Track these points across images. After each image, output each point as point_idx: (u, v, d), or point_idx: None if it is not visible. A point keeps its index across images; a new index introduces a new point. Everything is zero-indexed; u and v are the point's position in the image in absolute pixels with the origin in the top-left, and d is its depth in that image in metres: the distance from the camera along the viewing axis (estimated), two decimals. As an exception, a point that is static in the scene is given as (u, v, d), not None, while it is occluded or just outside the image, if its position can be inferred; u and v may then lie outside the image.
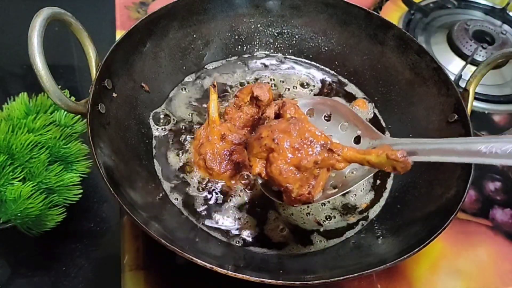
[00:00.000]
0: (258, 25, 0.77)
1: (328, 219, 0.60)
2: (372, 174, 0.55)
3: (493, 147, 0.42)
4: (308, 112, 0.61)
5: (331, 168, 0.50)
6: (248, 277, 0.43)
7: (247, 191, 0.61)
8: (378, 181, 0.65)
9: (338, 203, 0.61)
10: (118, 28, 0.85)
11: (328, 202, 0.61)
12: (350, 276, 0.44)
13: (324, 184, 0.51)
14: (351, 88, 0.76)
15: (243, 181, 0.61)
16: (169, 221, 0.55)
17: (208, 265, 0.43)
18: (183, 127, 0.67)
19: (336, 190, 0.54)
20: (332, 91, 0.75)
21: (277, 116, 0.57)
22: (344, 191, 0.54)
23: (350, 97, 0.75)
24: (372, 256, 0.53)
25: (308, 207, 0.60)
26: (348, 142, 0.58)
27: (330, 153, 0.49)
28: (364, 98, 0.74)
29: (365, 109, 0.73)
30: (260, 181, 0.55)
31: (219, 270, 0.43)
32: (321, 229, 0.59)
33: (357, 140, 0.58)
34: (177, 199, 0.59)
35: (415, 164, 0.65)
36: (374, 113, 0.73)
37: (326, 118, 0.61)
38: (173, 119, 0.68)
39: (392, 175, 0.66)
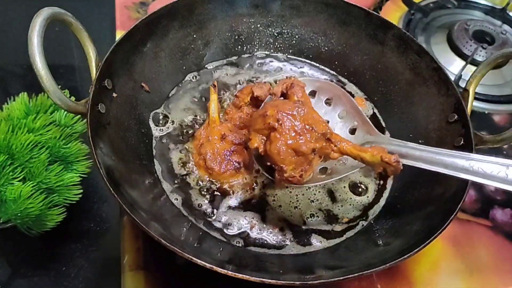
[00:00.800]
0: (258, 25, 0.77)
1: (312, 217, 0.60)
2: (359, 169, 0.57)
3: (480, 166, 0.45)
4: (311, 93, 0.62)
5: (324, 156, 0.52)
6: (248, 277, 0.43)
7: (247, 191, 0.61)
8: (380, 181, 0.65)
9: (325, 205, 0.61)
10: (118, 28, 0.85)
11: (317, 200, 0.61)
12: (350, 276, 0.44)
13: (314, 169, 0.54)
14: (351, 87, 0.76)
15: (243, 181, 0.61)
16: (169, 221, 0.55)
17: (208, 265, 0.43)
18: (183, 127, 0.67)
19: (324, 176, 0.56)
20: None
21: (284, 95, 0.58)
22: (332, 179, 0.56)
23: (350, 97, 0.75)
24: (372, 256, 0.53)
25: (297, 201, 0.61)
26: (343, 131, 0.60)
27: (328, 142, 0.51)
28: (364, 97, 0.74)
29: (363, 107, 0.73)
30: (254, 153, 0.56)
31: (219, 270, 0.43)
32: (307, 227, 0.59)
33: (352, 131, 0.59)
34: (177, 199, 0.59)
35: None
36: (374, 113, 0.73)
37: (327, 102, 0.62)
38: (173, 119, 0.68)
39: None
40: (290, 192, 0.62)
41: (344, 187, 0.63)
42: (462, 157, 0.47)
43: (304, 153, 0.50)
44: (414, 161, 0.50)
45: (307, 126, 0.50)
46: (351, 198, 0.62)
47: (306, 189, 0.62)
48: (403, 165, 0.49)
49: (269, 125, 0.50)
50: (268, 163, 0.53)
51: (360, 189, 0.63)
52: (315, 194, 0.62)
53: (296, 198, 0.61)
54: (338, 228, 0.59)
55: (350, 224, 0.60)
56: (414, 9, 0.97)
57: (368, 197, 0.62)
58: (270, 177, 0.54)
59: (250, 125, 0.54)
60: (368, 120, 0.57)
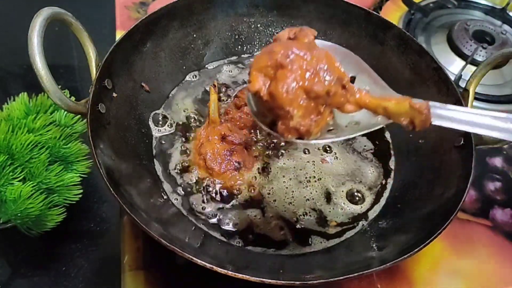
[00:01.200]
0: (258, 25, 0.77)
1: (305, 215, 0.60)
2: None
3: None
4: None
5: (334, 111, 0.45)
6: (248, 277, 0.43)
7: (247, 191, 0.61)
8: (379, 182, 0.65)
9: (319, 205, 0.61)
10: (118, 28, 0.85)
11: (312, 199, 0.61)
12: (350, 276, 0.44)
13: (323, 127, 0.46)
14: (351, 88, 0.76)
15: (243, 181, 0.61)
16: (169, 221, 0.55)
17: (208, 265, 0.43)
18: (183, 127, 0.67)
19: (334, 136, 0.48)
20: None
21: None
22: (340, 138, 0.48)
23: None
24: (372, 256, 0.53)
25: (292, 197, 0.61)
26: None
27: (344, 90, 0.44)
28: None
29: None
30: (253, 106, 0.48)
31: (219, 270, 0.43)
32: (297, 227, 0.59)
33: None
34: (177, 199, 0.59)
35: (416, 163, 0.65)
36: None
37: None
38: (173, 119, 0.68)
39: (392, 174, 0.65)
40: (287, 188, 0.62)
41: (342, 191, 0.63)
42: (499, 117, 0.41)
43: (317, 94, 0.41)
44: (443, 120, 0.43)
45: (321, 65, 0.42)
46: (344, 203, 0.61)
47: (303, 187, 0.62)
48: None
49: (276, 62, 0.42)
50: (270, 116, 0.46)
51: (357, 198, 0.63)
52: (311, 192, 0.62)
53: (292, 194, 0.61)
54: (330, 230, 0.59)
55: (343, 228, 0.60)
56: (414, 9, 0.97)
57: (362, 207, 0.61)
58: (271, 131, 0.46)
59: (251, 66, 0.45)
60: (383, 82, 0.50)
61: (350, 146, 0.68)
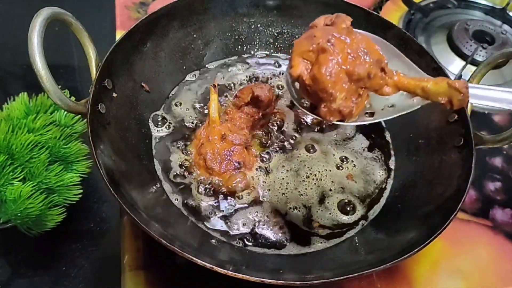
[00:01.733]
0: (258, 25, 0.77)
1: (294, 209, 0.60)
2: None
3: None
4: None
5: (372, 93, 0.46)
6: (248, 277, 0.43)
7: (247, 191, 0.61)
8: (379, 182, 0.65)
9: (310, 203, 0.61)
10: (118, 28, 0.85)
11: (306, 195, 0.61)
12: (350, 276, 0.44)
13: (361, 109, 0.48)
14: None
15: (243, 181, 0.61)
16: (169, 221, 0.55)
17: (208, 265, 0.43)
18: (183, 127, 0.67)
19: (371, 118, 0.49)
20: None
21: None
22: (376, 120, 0.49)
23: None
24: (372, 256, 0.53)
25: (287, 188, 0.61)
26: None
27: (382, 73, 0.45)
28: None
29: None
30: (292, 91, 0.49)
31: (219, 270, 0.43)
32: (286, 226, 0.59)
33: None
34: (177, 199, 0.59)
35: (416, 163, 0.65)
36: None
37: None
38: (173, 119, 0.68)
39: (392, 174, 0.66)
40: (283, 178, 0.62)
41: (337, 197, 0.62)
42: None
43: (359, 76, 0.43)
44: (479, 99, 0.44)
45: (361, 48, 0.43)
46: (334, 209, 0.61)
47: (300, 181, 0.62)
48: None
49: (318, 46, 0.43)
50: (310, 100, 0.46)
51: (348, 208, 0.61)
52: (306, 189, 0.62)
53: (286, 186, 0.62)
54: (316, 230, 0.58)
55: (325, 230, 0.59)
56: (414, 9, 0.97)
57: (349, 218, 0.60)
58: (314, 116, 0.47)
59: (292, 51, 0.46)
60: (415, 66, 0.50)
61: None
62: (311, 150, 0.66)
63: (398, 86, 0.46)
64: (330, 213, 0.60)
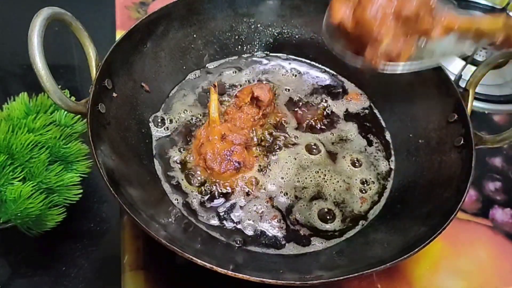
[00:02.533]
0: (258, 25, 0.77)
1: (284, 195, 0.61)
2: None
3: None
4: None
5: (419, 38, 0.43)
6: (248, 277, 0.43)
7: (247, 191, 0.61)
8: (379, 182, 0.65)
9: (303, 195, 0.61)
10: (118, 28, 0.85)
11: (305, 188, 0.61)
12: (350, 276, 0.44)
13: (409, 54, 0.45)
14: (350, 87, 0.76)
15: (243, 181, 0.61)
16: (169, 221, 0.55)
17: (208, 265, 0.43)
18: (183, 127, 0.67)
19: (419, 62, 0.47)
20: (332, 90, 0.75)
21: None
22: (426, 66, 0.48)
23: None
24: (372, 256, 0.53)
25: (287, 174, 0.62)
26: None
27: (430, 16, 0.42)
28: (360, 93, 0.74)
29: (358, 101, 0.73)
30: (328, 39, 0.47)
31: (219, 270, 0.43)
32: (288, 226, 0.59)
33: None
34: (177, 199, 0.59)
35: (416, 163, 0.65)
36: (374, 113, 0.73)
37: None
38: (173, 119, 0.68)
39: (392, 174, 0.66)
40: (282, 178, 0.62)
41: (334, 202, 0.61)
42: None
43: (407, 16, 0.40)
44: None
45: None
46: (314, 211, 0.60)
47: (300, 180, 0.62)
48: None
49: None
50: (352, 47, 0.45)
51: (328, 217, 0.60)
52: (305, 178, 0.62)
53: (287, 172, 0.62)
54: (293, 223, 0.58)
55: (348, 225, 0.60)
56: (414, 9, 0.97)
57: (329, 226, 0.59)
58: (358, 59, 0.45)
59: None
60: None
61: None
62: (314, 151, 0.66)
63: (449, 27, 0.42)
64: (310, 214, 0.60)
